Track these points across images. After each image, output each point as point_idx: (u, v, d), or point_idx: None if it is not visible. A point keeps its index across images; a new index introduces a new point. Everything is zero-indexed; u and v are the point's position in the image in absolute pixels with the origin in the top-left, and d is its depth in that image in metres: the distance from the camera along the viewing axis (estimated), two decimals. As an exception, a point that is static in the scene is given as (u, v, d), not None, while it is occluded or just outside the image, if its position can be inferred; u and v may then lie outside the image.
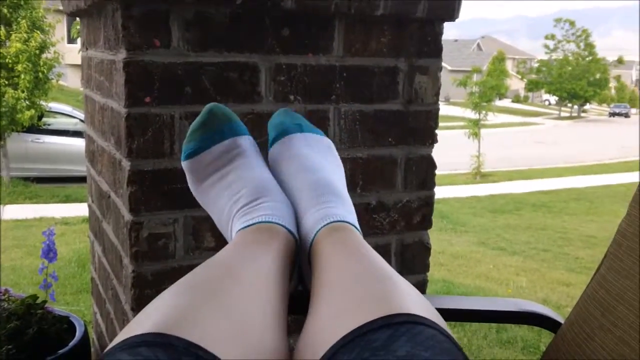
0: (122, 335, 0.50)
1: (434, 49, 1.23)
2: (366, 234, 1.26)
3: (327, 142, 0.91)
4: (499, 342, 3.36)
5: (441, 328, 0.52)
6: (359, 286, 0.60)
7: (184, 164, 0.83)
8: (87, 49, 1.42)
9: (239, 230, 0.75)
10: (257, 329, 0.54)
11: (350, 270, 0.64)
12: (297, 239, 0.76)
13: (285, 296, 0.66)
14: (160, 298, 0.56)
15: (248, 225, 0.75)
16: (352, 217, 0.79)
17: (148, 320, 0.50)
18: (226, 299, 0.56)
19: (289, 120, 0.90)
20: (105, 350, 0.48)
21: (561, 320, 0.95)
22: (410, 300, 0.56)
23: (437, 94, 1.25)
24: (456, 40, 50.42)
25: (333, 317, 0.56)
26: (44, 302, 1.45)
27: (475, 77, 16.11)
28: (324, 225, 0.74)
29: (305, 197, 0.80)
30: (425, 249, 1.30)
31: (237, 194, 0.79)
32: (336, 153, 0.90)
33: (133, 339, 0.48)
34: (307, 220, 0.77)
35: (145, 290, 1.05)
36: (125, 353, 0.46)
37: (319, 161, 0.85)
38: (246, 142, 0.84)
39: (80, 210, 7.31)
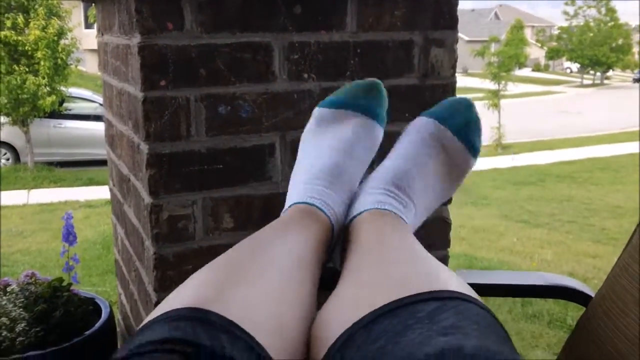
0: (162, 308, 0.51)
1: (450, 21, 1.21)
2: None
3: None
4: (524, 316, 3.35)
5: (484, 305, 0.53)
6: (401, 264, 0.61)
7: (316, 110, 0.90)
8: (102, 34, 1.42)
9: (292, 204, 0.78)
10: (290, 313, 0.56)
11: (386, 251, 0.65)
12: (334, 225, 0.77)
13: (315, 280, 0.67)
14: (198, 273, 0.58)
15: (299, 202, 0.77)
16: (409, 214, 0.78)
17: (187, 294, 0.52)
18: (261, 279, 0.57)
19: (459, 117, 0.90)
20: (145, 322, 0.49)
21: (591, 293, 0.93)
22: (455, 280, 0.57)
23: (453, 67, 1.24)
24: (473, 10, 49.60)
25: (370, 288, 0.56)
26: (70, 284, 1.48)
27: (494, 47, 15.83)
28: (375, 209, 0.74)
29: (385, 175, 0.82)
30: (446, 224, 1.29)
31: (318, 163, 0.82)
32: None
33: (173, 312, 0.49)
34: (367, 196, 0.78)
35: (167, 272, 1.07)
36: (166, 325, 0.47)
37: (429, 165, 0.85)
38: (372, 128, 0.88)
39: (103, 192, 7.40)
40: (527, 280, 1.04)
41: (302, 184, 0.81)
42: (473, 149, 0.88)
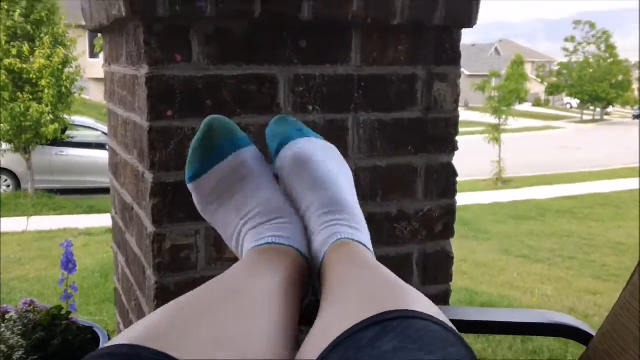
0: (113, 340, 0.50)
1: (452, 56, 1.23)
2: (387, 244, 1.26)
3: (331, 145, 0.89)
4: (524, 352, 3.32)
5: (434, 318, 0.52)
6: (358, 290, 0.60)
7: (189, 186, 0.81)
8: (109, 64, 1.44)
9: (249, 249, 0.74)
10: (253, 342, 0.54)
11: (351, 278, 0.65)
12: (308, 259, 0.76)
13: (292, 314, 0.65)
14: (151, 314, 0.57)
15: (258, 245, 0.74)
16: (360, 234, 0.77)
17: (127, 333, 0.51)
18: (219, 315, 0.55)
19: (289, 127, 0.87)
20: (91, 354, 0.49)
21: (592, 332, 0.93)
22: (405, 297, 0.56)
23: (456, 101, 1.25)
24: (474, 45, 50.17)
25: (329, 324, 0.56)
26: (69, 312, 1.48)
27: (494, 82, 15.99)
28: (332, 243, 0.74)
29: (316, 214, 0.78)
30: (448, 258, 1.29)
31: (247, 214, 0.77)
32: (341, 156, 0.89)
33: (105, 350, 0.48)
34: (317, 239, 0.77)
35: (168, 301, 1.06)
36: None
37: (328, 170, 0.82)
38: (249, 155, 0.81)
39: (103, 221, 7.41)
40: (527, 318, 1.03)
41: (244, 235, 0.77)
42: (317, 135, 0.90)
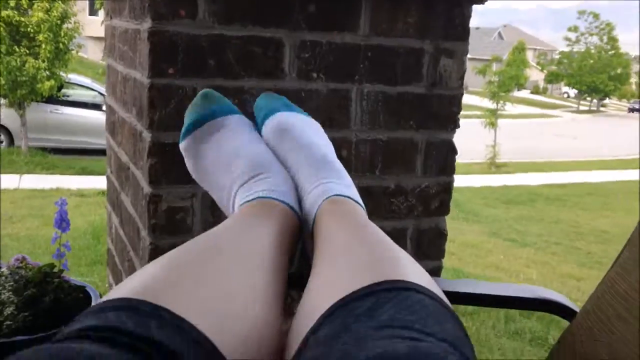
0: (106, 296, 0.50)
1: (461, 32, 1.21)
2: (383, 218, 1.25)
3: (315, 122, 0.90)
4: (506, 332, 3.36)
5: (430, 291, 0.51)
6: (351, 256, 0.60)
7: (181, 146, 0.82)
8: (111, 17, 1.41)
9: (239, 205, 0.74)
10: (241, 299, 0.54)
11: (344, 241, 0.64)
12: (299, 214, 0.76)
13: (282, 270, 0.65)
14: (142, 268, 0.56)
15: (248, 201, 0.74)
16: (351, 191, 0.78)
17: (125, 287, 0.50)
18: (208, 269, 0.55)
19: (275, 101, 0.89)
20: (87, 310, 0.48)
21: (576, 308, 0.94)
22: (400, 266, 0.56)
23: (461, 79, 1.23)
24: (478, 28, 49.90)
25: (324, 288, 0.56)
26: (61, 271, 1.46)
27: (495, 66, 15.93)
28: (324, 200, 0.74)
29: (305, 174, 0.79)
30: (442, 235, 1.29)
31: (235, 170, 0.78)
32: (325, 134, 0.90)
33: (101, 304, 0.48)
34: (308, 198, 0.77)
35: (161, 263, 1.05)
36: (92, 317, 0.46)
37: (312, 137, 0.84)
38: (239, 118, 0.84)
39: (96, 182, 7.38)
40: (516, 292, 1.04)
41: (234, 192, 0.77)
42: (304, 112, 0.91)
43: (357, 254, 0.60)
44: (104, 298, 0.49)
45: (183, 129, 0.82)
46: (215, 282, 0.54)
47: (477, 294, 1.00)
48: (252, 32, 1.04)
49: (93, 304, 1.43)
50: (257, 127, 0.86)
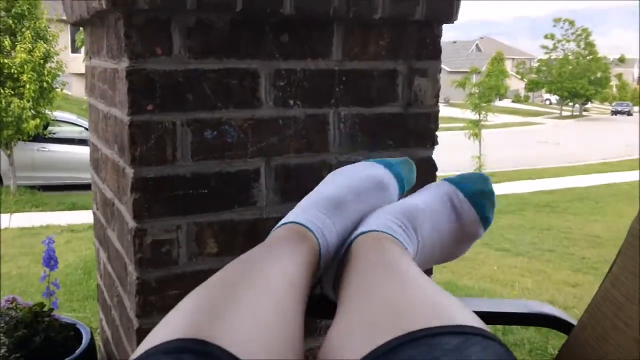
0: (158, 335, 0.50)
1: (433, 51, 1.24)
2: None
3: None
4: (505, 344, 3.36)
5: (506, 346, 0.53)
6: (415, 291, 0.60)
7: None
8: (90, 58, 1.43)
9: (280, 225, 0.78)
10: (282, 338, 0.55)
11: (392, 279, 0.64)
12: (324, 255, 0.77)
13: (305, 300, 0.66)
14: (190, 299, 0.57)
15: (287, 222, 0.77)
16: (411, 248, 0.78)
17: (182, 322, 0.51)
18: (253, 304, 0.56)
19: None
20: (143, 351, 0.48)
21: (573, 321, 0.94)
22: (472, 315, 0.57)
23: (436, 96, 1.26)
24: (455, 42, 50.43)
25: (384, 314, 0.55)
26: (51, 310, 1.47)
27: (475, 78, 16.09)
28: (380, 231, 0.75)
29: (391, 208, 0.84)
30: (428, 250, 1.30)
31: (324, 191, 0.85)
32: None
33: (175, 343, 0.48)
34: (370, 220, 0.79)
35: (149, 297, 1.06)
36: (169, 358, 0.47)
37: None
38: (392, 190, 0.92)
39: (86, 217, 7.33)
40: (509, 307, 1.04)
41: (299, 208, 0.82)
42: (484, 219, 0.91)
43: (421, 289, 0.60)
44: (166, 335, 0.50)
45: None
46: (264, 320, 0.55)
47: (473, 311, 1.00)
48: (227, 65, 1.06)
49: (84, 340, 1.44)
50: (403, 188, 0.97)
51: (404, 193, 0.98)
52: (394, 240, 0.75)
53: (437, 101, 1.27)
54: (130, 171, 1.04)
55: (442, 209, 0.87)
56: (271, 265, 0.66)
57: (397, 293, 0.59)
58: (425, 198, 0.88)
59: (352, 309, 0.60)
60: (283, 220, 0.79)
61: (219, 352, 0.48)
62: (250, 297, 0.57)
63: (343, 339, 0.55)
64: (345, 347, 0.53)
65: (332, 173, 0.97)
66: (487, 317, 1.04)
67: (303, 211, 0.80)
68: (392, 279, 0.63)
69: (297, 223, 0.76)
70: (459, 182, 0.92)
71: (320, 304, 0.82)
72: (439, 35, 1.24)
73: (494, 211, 0.93)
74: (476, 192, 0.91)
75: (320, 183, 0.93)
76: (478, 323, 0.54)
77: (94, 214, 1.58)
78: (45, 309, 1.45)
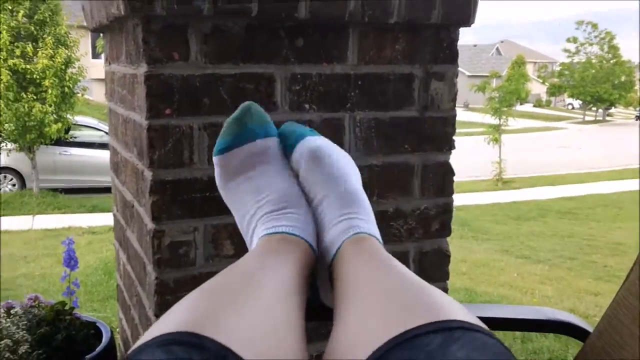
0: (153, 332, 0.51)
1: (450, 55, 1.24)
2: (384, 242, 1.26)
3: (345, 152, 0.92)
4: (524, 352, 3.32)
5: (492, 334, 0.53)
6: (396, 294, 0.60)
7: (215, 159, 0.85)
8: (110, 63, 1.46)
9: (262, 236, 0.77)
10: (279, 336, 0.55)
11: (380, 280, 0.65)
12: (317, 253, 0.78)
13: (302, 306, 0.67)
14: (185, 299, 0.58)
15: (271, 233, 0.77)
16: (375, 229, 0.80)
17: (177, 318, 0.52)
18: (249, 304, 0.57)
19: (302, 127, 0.92)
20: (137, 345, 0.49)
21: (590, 329, 0.93)
22: (455, 307, 0.57)
23: (453, 100, 1.26)
24: (475, 46, 50.12)
25: (371, 323, 0.56)
26: (72, 308, 1.49)
27: (495, 82, 15.97)
28: (349, 237, 0.75)
29: (331, 205, 0.81)
30: (445, 256, 1.30)
31: (263, 198, 0.81)
32: (354, 164, 0.92)
33: (166, 337, 0.49)
34: (330, 231, 0.78)
35: (166, 297, 1.08)
36: (159, 350, 0.47)
37: (343, 168, 0.86)
38: (276, 144, 0.86)
39: (106, 219, 7.43)
40: (526, 314, 1.04)
41: (257, 218, 0.80)
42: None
43: (403, 293, 0.60)
44: (160, 330, 0.50)
45: (221, 143, 0.84)
46: (258, 319, 0.56)
47: (487, 317, 0.99)
48: (243, 69, 1.07)
49: (104, 339, 1.46)
50: (286, 151, 0.88)
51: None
52: (365, 239, 0.76)
53: (454, 105, 1.27)
54: (148, 174, 1.05)
55: (356, 168, 0.90)
56: (267, 270, 0.66)
57: (383, 300, 0.60)
58: (350, 171, 0.87)
59: (343, 323, 0.61)
60: (258, 235, 0.78)
61: (211, 344, 0.48)
62: (245, 298, 0.58)
63: (339, 349, 0.56)
64: (361, 334, 0.55)
65: (227, 185, 0.86)
66: (504, 323, 1.04)
67: (269, 219, 0.79)
68: (376, 284, 0.64)
69: (280, 232, 0.76)
70: (315, 132, 0.92)
71: (319, 310, 0.83)
72: (455, 39, 1.24)
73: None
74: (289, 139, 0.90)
75: (236, 195, 0.85)
76: (462, 316, 0.54)
77: (114, 215, 1.61)
78: (66, 307, 1.48)
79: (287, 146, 0.89)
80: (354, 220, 0.78)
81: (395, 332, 0.51)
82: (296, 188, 0.84)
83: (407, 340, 0.50)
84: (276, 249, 0.74)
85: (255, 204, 0.81)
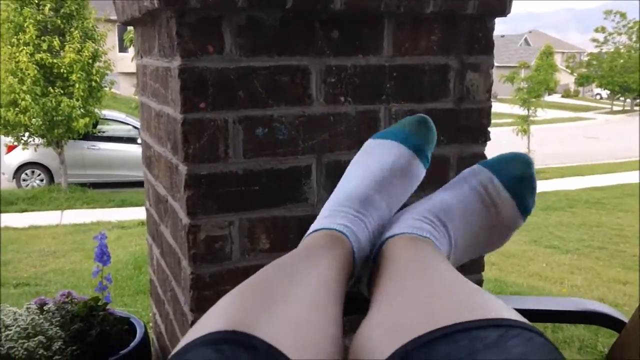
0: (199, 330, 0.50)
1: (485, 46, 1.21)
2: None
3: None
4: (554, 341, 3.28)
5: (543, 335, 0.52)
6: (450, 287, 0.60)
7: (367, 142, 0.95)
8: (141, 57, 1.46)
9: (312, 231, 0.78)
10: (323, 335, 0.55)
11: (428, 275, 0.64)
12: (357, 260, 0.77)
13: (341, 303, 0.67)
14: (228, 296, 0.58)
15: (322, 229, 0.77)
16: (443, 245, 0.78)
17: (223, 317, 0.52)
18: (292, 301, 0.57)
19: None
20: (183, 344, 0.49)
21: (625, 319, 0.92)
22: (509, 309, 0.56)
23: (489, 91, 1.24)
24: (503, 36, 49.52)
25: (418, 310, 0.55)
26: (105, 304, 1.50)
27: (523, 73, 15.75)
28: (407, 233, 0.75)
29: (420, 205, 0.83)
30: (480, 248, 1.28)
31: (348, 187, 0.84)
32: None
33: (214, 335, 0.48)
34: (401, 221, 0.79)
35: (203, 292, 1.07)
36: (208, 349, 0.47)
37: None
38: (417, 172, 0.90)
39: (135, 214, 7.51)
40: (560, 305, 1.02)
41: (327, 210, 0.82)
42: (523, 207, 0.87)
43: (455, 286, 0.60)
44: (208, 327, 0.50)
45: (383, 131, 0.94)
46: (300, 317, 0.55)
47: (520, 309, 0.99)
48: (278, 62, 1.06)
49: (138, 334, 1.47)
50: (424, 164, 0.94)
51: (429, 162, 0.96)
52: (425, 240, 0.74)
53: (490, 96, 1.24)
54: (183, 168, 1.05)
55: (474, 199, 0.84)
56: (308, 269, 0.66)
57: (430, 291, 0.59)
58: (456, 191, 0.86)
59: (384, 308, 0.60)
60: (317, 226, 0.79)
61: (259, 343, 0.48)
62: (288, 296, 0.57)
63: (373, 336, 0.55)
64: (377, 343, 0.53)
65: (351, 164, 0.95)
66: (537, 315, 1.02)
67: (334, 214, 0.79)
68: (425, 278, 0.63)
69: (332, 229, 0.76)
70: (496, 167, 0.87)
71: (356, 305, 0.82)
72: (491, 29, 1.22)
73: (534, 198, 0.88)
74: (514, 178, 0.86)
75: (343, 177, 0.92)
76: (517, 316, 0.54)
77: (147, 210, 1.61)
78: (99, 303, 1.49)
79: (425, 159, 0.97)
80: (429, 226, 0.78)
81: (439, 323, 0.51)
82: (384, 206, 0.84)
83: (461, 332, 0.49)
84: (321, 245, 0.74)
85: (341, 192, 0.85)
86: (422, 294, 0.59)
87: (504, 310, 0.54)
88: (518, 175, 0.86)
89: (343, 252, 0.74)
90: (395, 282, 0.65)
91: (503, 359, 0.46)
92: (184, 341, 0.50)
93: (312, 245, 0.75)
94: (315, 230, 0.78)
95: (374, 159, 0.90)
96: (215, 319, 0.52)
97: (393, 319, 0.56)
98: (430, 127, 0.93)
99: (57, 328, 1.36)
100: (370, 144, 0.95)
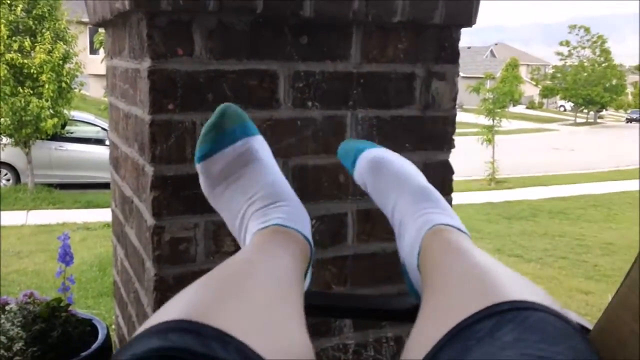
0: (150, 322, 0.51)
1: (451, 55, 1.24)
2: (384, 239, 1.27)
3: (403, 157, 0.94)
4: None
5: (550, 309, 0.51)
6: (463, 282, 0.60)
7: (198, 167, 0.84)
8: (111, 58, 1.45)
9: (256, 231, 0.76)
10: (282, 323, 0.55)
11: (452, 268, 0.65)
12: (311, 244, 0.78)
13: (302, 297, 0.66)
14: (185, 290, 0.58)
15: (265, 227, 0.75)
16: (454, 220, 0.79)
17: (175, 308, 0.52)
18: (249, 293, 0.56)
19: (361, 142, 0.95)
20: (134, 335, 0.49)
21: (589, 326, 0.94)
22: (514, 285, 0.55)
23: (454, 100, 1.27)
24: (469, 47, 50.22)
25: (436, 316, 0.56)
26: (68, 305, 1.49)
27: (489, 84, 16.02)
28: (427, 230, 0.76)
29: (406, 204, 0.82)
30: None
31: (252, 197, 0.80)
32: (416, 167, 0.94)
33: (162, 325, 0.49)
34: (410, 231, 0.79)
35: (167, 294, 1.07)
36: (154, 338, 0.47)
37: (407, 168, 0.88)
38: (258, 142, 0.84)
39: (101, 215, 7.39)
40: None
41: (249, 216, 0.79)
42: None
43: (468, 280, 0.60)
44: (157, 320, 0.49)
45: (202, 150, 0.82)
46: (260, 307, 0.55)
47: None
48: (247, 66, 1.07)
49: (100, 336, 1.45)
50: (349, 171, 0.92)
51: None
52: (445, 231, 0.76)
53: (455, 105, 1.27)
54: (150, 169, 1.05)
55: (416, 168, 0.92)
56: (261, 262, 0.66)
57: (445, 296, 0.60)
58: (417, 171, 0.90)
59: (420, 315, 0.61)
60: (252, 230, 0.77)
61: (205, 329, 0.48)
62: (243, 286, 0.57)
63: (408, 349, 0.56)
64: (429, 328, 0.54)
65: (214, 191, 0.85)
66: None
67: (263, 213, 0.78)
68: (443, 283, 0.64)
69: (275, 225, 0.76)
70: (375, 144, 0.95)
71: (334, 305, 0.83)
72: (457, 39, 1.25)
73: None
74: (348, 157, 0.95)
75: (225, 199, 0.84)
76: (519, 294, 0.53)
77: (113, 211, 1.60)
78: (62, 304, 1.47)
79: (349, 164, 0.92)
80: (430, 215, 0.79)
81: (451, 325, 0.51)
82: (284, 180, 0.83)
83: (461, 330, 0.50)
84: (271, 240, 0.74)
85: (245, 203, 0.80)
86: (440, 298, 0.60)
87: (506, 290, 0.54)
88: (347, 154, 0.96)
89: (293, 244, 0.74)
90: (427, 289, 0.66)
91: (497, 346, 0.46)
92: (135, 333, 0.50)
93: (261, 241, 0.75)
94: (265, 227, 0.77)
95: (229, 173, 0.84)
96: (166, 311, 0.52)
97: (417, 331, 0.57)
98: (226, 113, 0.84)
99: (19, 329, 1.35)
100: (208, 168, 0.84)
